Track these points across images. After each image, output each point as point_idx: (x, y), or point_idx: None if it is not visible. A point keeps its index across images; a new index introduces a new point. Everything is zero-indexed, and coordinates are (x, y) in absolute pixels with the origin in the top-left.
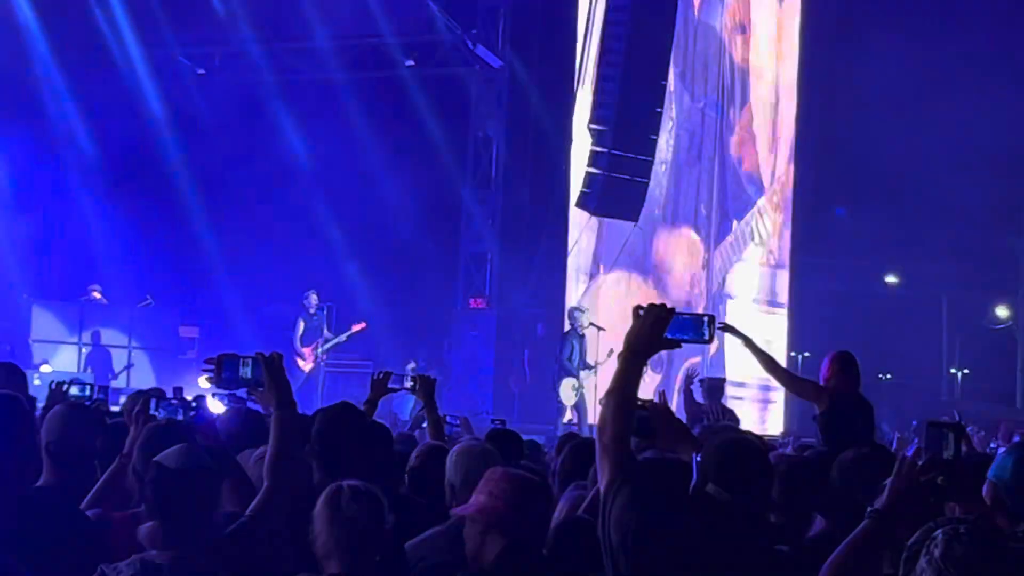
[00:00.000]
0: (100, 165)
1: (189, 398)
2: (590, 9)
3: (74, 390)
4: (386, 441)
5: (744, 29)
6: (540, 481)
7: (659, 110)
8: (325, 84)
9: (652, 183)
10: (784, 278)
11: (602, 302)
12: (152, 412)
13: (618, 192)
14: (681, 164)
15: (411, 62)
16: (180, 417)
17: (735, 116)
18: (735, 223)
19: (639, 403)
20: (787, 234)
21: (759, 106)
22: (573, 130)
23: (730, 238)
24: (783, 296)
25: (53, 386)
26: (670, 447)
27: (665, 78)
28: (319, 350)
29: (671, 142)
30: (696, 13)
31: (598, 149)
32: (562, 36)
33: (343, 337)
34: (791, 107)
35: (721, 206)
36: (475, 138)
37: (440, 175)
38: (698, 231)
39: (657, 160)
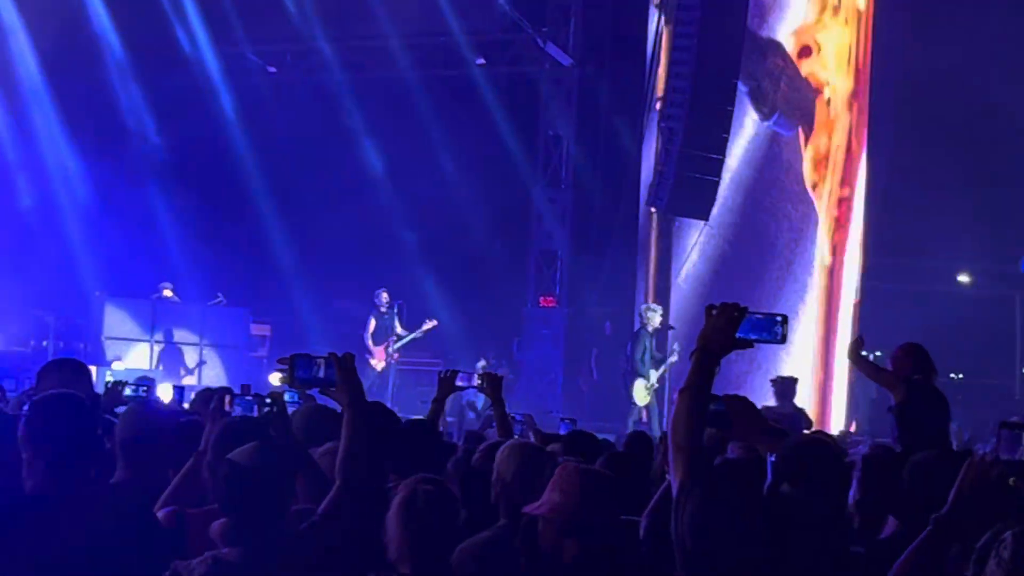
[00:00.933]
0: (172, 164)
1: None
2: (660, 6)
3: (128, 391)
4: (422, 440)
5: (809, 51)
6: (615, 478)
7: (730, 108)
8: (395, 82)
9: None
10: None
11: (674, 304)
12: (227, 409)
13: (689, 190)
14: (745, 179)
15: (481, 60)
16: (255, 414)
17: (799, 133)
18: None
19: (720, 397)
20: (851, 242)
21: (823, 123)
22: (644, 128)
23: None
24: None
25: (109, 385)
26: (746, 439)
27: (736, 76)
28: (391, 348)
29: (739, 155)
30: (764, 34)
31: (669, 148)
32: (632, 33)
33: (417, 334)
34: (859, 123)
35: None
36: (545, 137)
37: (510, 174)
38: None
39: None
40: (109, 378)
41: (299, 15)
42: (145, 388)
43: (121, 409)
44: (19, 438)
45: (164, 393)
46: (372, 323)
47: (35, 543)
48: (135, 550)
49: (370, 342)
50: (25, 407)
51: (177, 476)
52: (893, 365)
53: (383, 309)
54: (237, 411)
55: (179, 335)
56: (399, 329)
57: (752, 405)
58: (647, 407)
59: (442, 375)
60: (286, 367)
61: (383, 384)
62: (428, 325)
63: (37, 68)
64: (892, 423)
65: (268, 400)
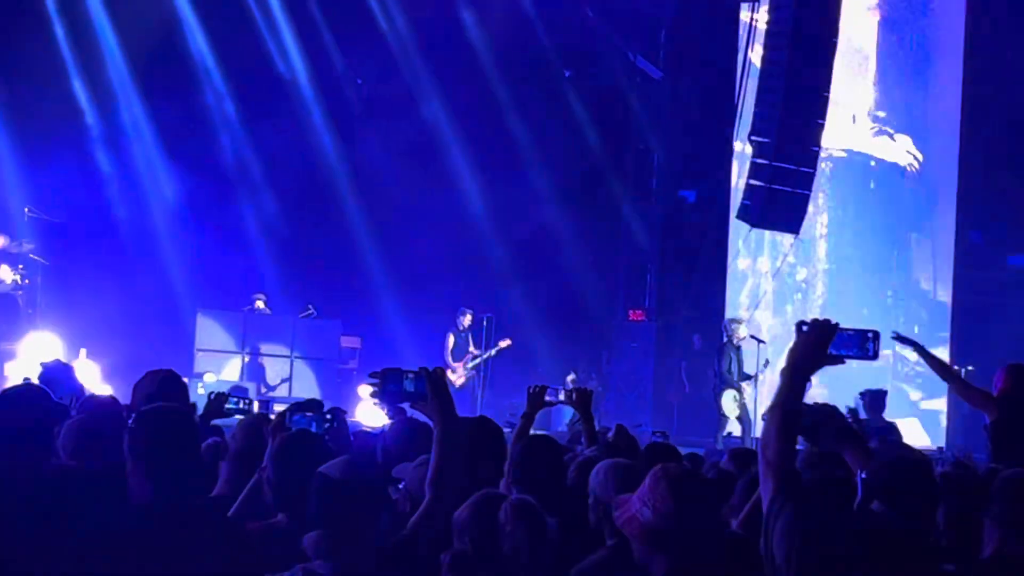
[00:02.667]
0: (264, 177)
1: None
2: (751, 19)
3: (229, 403)
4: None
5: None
6: (708, 492)
7: (821, 121)
8: (484, 95)
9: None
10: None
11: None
12: (287, 424)
13: (780, 204)
14: None
15: (570, 73)
16: (314, 429)
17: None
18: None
19: (809, 405)
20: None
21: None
22: (734, 141)
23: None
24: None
25: (212, 396)
26: (835, 450)
27: (828, 89)
28: (470, 365)
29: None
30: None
31: (759, 161)
32: (723, 46)
33: (493, 352)
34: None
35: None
36: (635, 150)
37: (600, 187)
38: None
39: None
40: (201, 390)
41: (390, 29)
42: (247, 401)
43: (219, 421)
44: (125, 449)
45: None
46: (450, 340)
47: (139, 553)
48: (231, 563)
49: (449, 358)
50: (130, 419)
51: (244, 491)
52: (996, 384)
53: (462, 328)
54: (295, 426)
55: (270, 347)
56: (473, 348)
57: (841, 416)
58: (740, 420)
59: (531, 390)
60: (377, 380)
61: (467, 399)
62: (502, 344)
63: (131, 83)
64: (987, 441)
65: (328, 416)
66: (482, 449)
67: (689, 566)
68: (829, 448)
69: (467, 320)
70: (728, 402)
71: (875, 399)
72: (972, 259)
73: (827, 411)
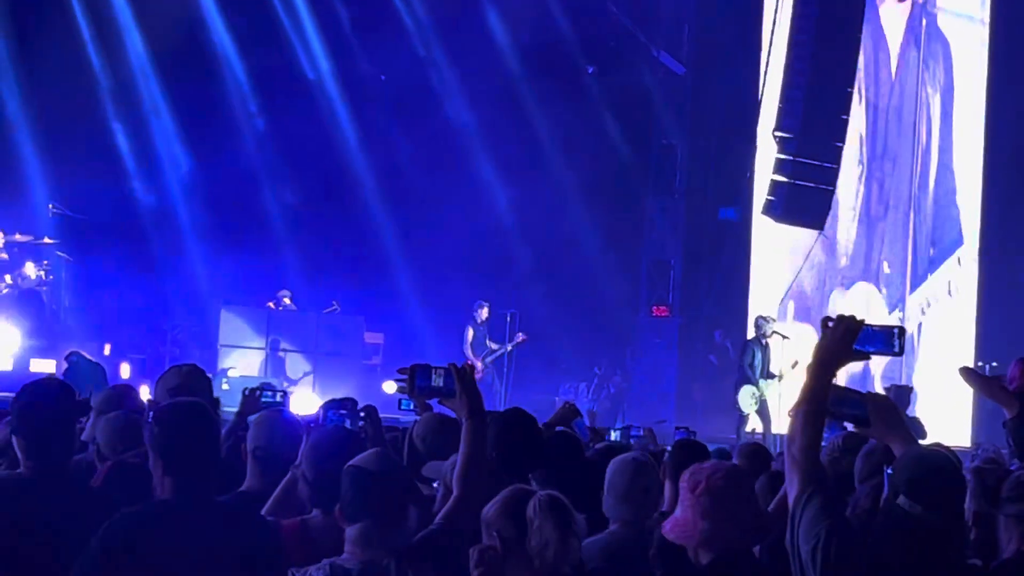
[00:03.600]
0: (287, 172)
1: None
2: (775, 15)
3: (264, 397)
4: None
5: (949, 88)
6: (743, 485)
7: (845, 117)
8: (507, 90)
9: (840, 230)
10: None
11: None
12: (321, 422)
13: (803, 200)
14: (870, 215)
15: (593, 69)
16: (348, 425)
17: (931, 170)
18: (929, 277)
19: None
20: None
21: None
22: (758, 137)
23: (919, 295)
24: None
25: (247, 392)
26: (883, 440)
27: (851, 85)
28: (488, 359)
29: (861, 190)
30: (893, 72)
31: (783, 156)
32: (746, 42)
33: (509, 347)
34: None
35: (911, 262)
36: (658, 145)
37: (622, 183)
38: (880, 288)
39: (846, 206)
40: (225, 386)
41: (412, 23)
42: (281, 395)
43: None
44: (147, 444)
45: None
46: (470, 334)
47: (164, 549)
48: (257, 558)
49: (469, 352)
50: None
51: (278, 488)
52: (1010, 376)
53: (480, 321)
54: (328, 423)
55: (294, 342)
56: (490, 343)
57: (895, 407)
58: (759, 414)
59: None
60: (405, 376)
61: (489, 394)
62: (518, 339)
63: (154, 78)
64: (1007, 437)
65: (362, 413)
66: (517, 439)
67: (730, 557)
68: (879, 437)
69: (484, 313)
70: (745, 398)
71: (900, 394)
72: None
73: (880, 400)
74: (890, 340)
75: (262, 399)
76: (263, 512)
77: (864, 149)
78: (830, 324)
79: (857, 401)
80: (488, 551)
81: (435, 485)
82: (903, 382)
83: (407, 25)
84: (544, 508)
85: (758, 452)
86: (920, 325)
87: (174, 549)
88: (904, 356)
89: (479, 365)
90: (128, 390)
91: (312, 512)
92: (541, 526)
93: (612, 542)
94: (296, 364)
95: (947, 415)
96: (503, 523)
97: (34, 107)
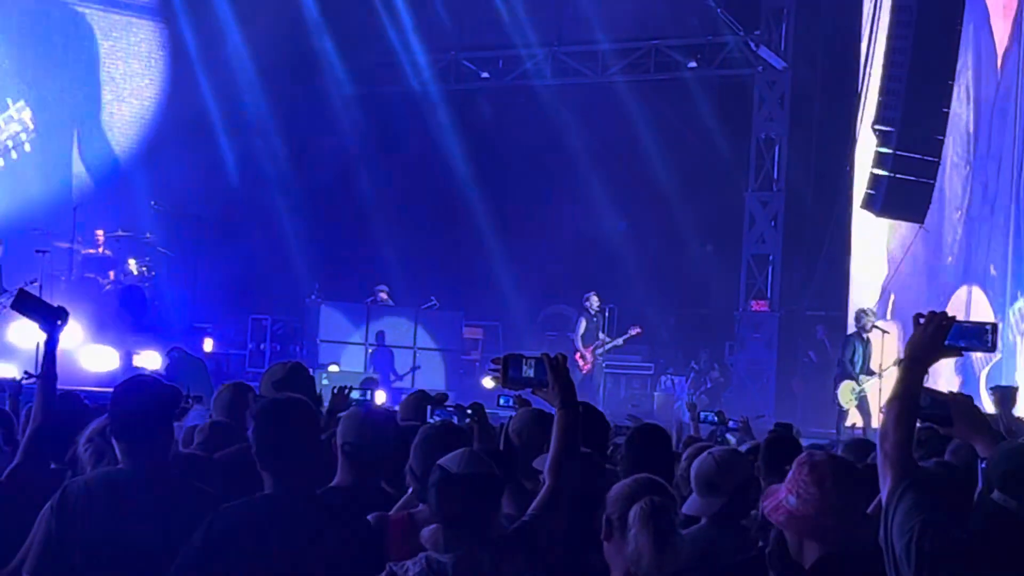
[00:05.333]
0: (387, 169)
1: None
2: (874, 8)
3: (354, 395)
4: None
5: None
6: (854, 478)
7: (945, 110)
8: (607, 87)
9: (946, 228)
10: None
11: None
12: (428, 420)
13: (903, 193)
14: (975, 216)
15: (693, 64)
16: (455, 422)
17: None
18: None
19: (945, 394)
20: None
21: None
22: (858, 131)
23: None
24: None
25: (335, 390)
26: (965, 439)
27: (952, 78)
28: (599, 351)
29: (967, 188)
30: (999, 68)
31: (883, 150)
32: (846, 36)
33: (620, 341)
34: None
35: (1016, 268)
36: (758, 140)
37: (722, 177)
38: (986, 292)
39: (952, 204)
40: (325, 381)
41: (512, 21)
42: (371, 393)
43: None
44: (250, 442)
45: (378, 397)
46: (583, 325)
47: (265, 543)
48: (352, 553)
49: (580, 343)
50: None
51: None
52: None
53: (593, 312)
54: (436, 420)
55: (393, 338)
56: (601, 335)
57: (976, 407)
58: (859, 410)
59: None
60: (499, 368)
61: (591, 387)
62: (633, 332)
63: (253, 74)
64: None
65: (469, 411)
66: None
67: (839, 552)
68: (963, 438)
69: (595, 301)
70: (845, 393)
71: (1005, 395)
72: None
73: (963, 400)
74: (983, 336)
75: (351, 396)
76: (397, 507)
77: (972, 147)
78: (921, 320)
79: (940, 401)
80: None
81: (542, 478)
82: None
83: (506, 23)
84: (643, 517)
85: (862, 446)
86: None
87: (275, 543)
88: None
89: (589, 356)
90: (244, 388)
91: (419, 507)
92: (637, 535)
93: (701, 538)
94: (397, 360)
95: None
96: (616, 507)
97: (134, 104)
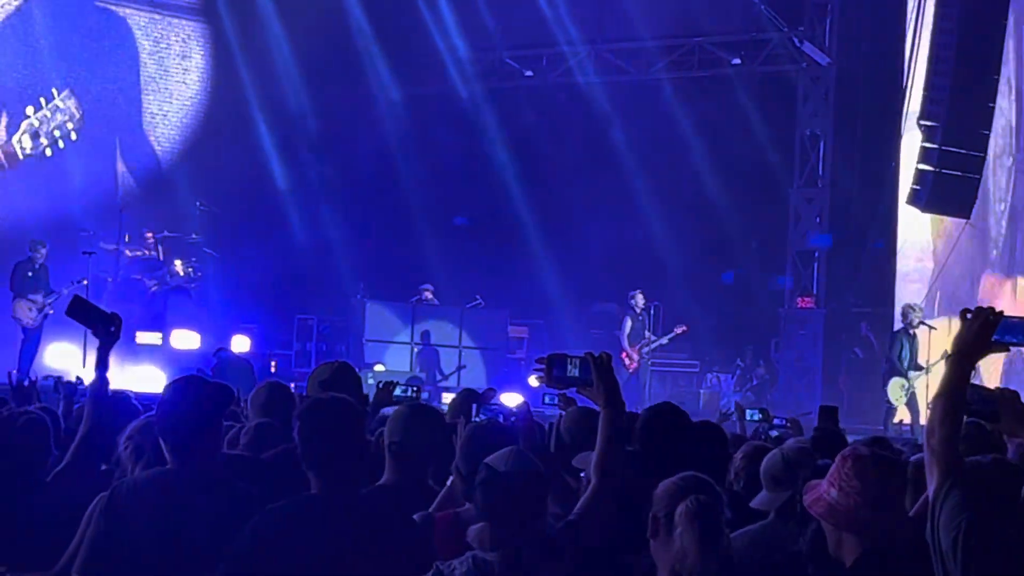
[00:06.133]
0: (430, 167)
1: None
2: (918, 2)
3: (397, 391)
4: (717, 440)
5: None
6: (896, 473)
7: (991, 105)
8: (650, 84)
9: (992, 222)
10: None
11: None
12: (474, 419)
13: (949, 189)
14: (1019, 208)
15: (737, 60)
16: (501, 420)
17: None
18: None
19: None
20: None
21: None
22: (903, 126)
23: None
24: None
25: (380, 385)
26: (1013, 434)
27: (998, 72)
28: (646, 350)
29: (1011, 180)
30: None
31: (929, 145)
32: (890, 31)
33: (665, 340)
34: None
35: None
36: (802, 136)
37: (766, 174)
38: None
39: (997, 197)
40: (371, 380)
41: (555, 19)
42: (416, 389)
43: (389, 410)
44: (295, 441)
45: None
46: (628, 324)
47: (310, 543)
48: (398, 552)
49: (626, 342)
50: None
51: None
52: None
53: (638, 311)
54: (482, 419)
55: (438, 337)
56: (647, 333)
57: (1020, 399)
58: (908, 407)
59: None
60: (543, 367)
61: (637, 385)
62: (678, 331)
63: (296, 72)
64: None
65: (514, 411)
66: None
67: (880, 547)
68: (1009, 433)
69: (640, 300)
70: (895, 390)
71: None
72: None
73: (1010, 396)
74: None
75: (395, 393)
76: (436, 504)
77: (1015, 139)
78: (968, 316)
79: (987, 397)
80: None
81: (582, 475)
82: None
83: (548, 20)
84: (689, 516)
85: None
86: None
87: (320, 543)
88: None
89: (635, 355)
90: (281, 388)
91: (465, 505)
92: (683, 533)
93: (769, 531)
94: (444, 359)
95: None
96: (662, 505)
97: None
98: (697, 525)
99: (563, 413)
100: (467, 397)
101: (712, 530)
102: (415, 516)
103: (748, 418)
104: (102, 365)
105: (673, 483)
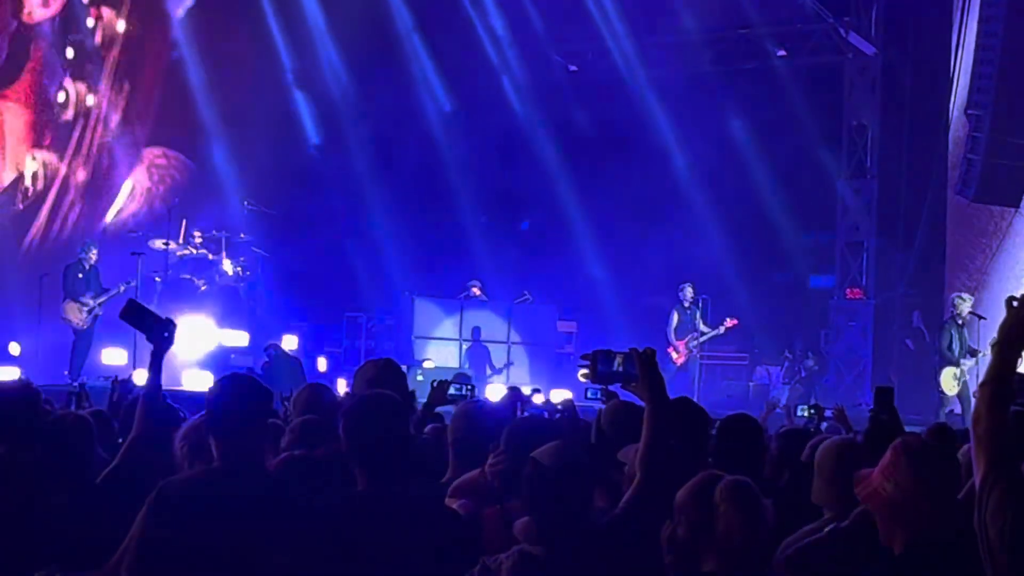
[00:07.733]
0: (476, 163)
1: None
2: None
3: (451, 390)
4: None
5: None
6: (949, 466)
7: None
8: (696, 76)
9: None
10: None
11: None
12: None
13: (998, 178)
14: None
15: (783, 52)
16: (544, 414)
17: None
18: None
19: None
20: None
21: None
22: (951, 115)
23: None
24: None
25: (435, 384)
26: None
27: None
28: (694, 343)
29: None
30: None
31: (976, 134)
32: (937, 20)
33: (717, 332)
34: None
35: None
36: (849, 127)
37: (814, 165)
38: None
39: None
40: (420, 377)
41: (599, 13)
42: (470, 387)
43: (444, 409)
44: (340, 438)
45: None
46: (675, 317)
47: (355, 539)
48: (446, 548)
49: (672, 336)
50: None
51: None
52: None
53: (687, 304)
54: (527, 414)
55: (487, 333)
56: (701, 326)
57: None
58: (960, 397)
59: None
60: (588, 363)
61: (687, 378)
62: (729, 323)
63: (344, 72)
64: None
65: (559, 407)
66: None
67: (930, 536)
68: None
69: (689, 293)
70: (948, 379)
71: None
72: None
73: None
74: None
75: (450, 391)
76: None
77: None
78: (1015, 303)
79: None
80: (674, 537)
81: (626, 469)
82: None
83: (594, 15)
84: (729, 493)
85: (944, 432)
86: None
87: (366, 539)
88: None
89: (682, 349)
90: (322, 388)
91: (510, 500)
92: (726, 512)
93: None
94: (493, 354)
95: None
96: (692, 508)
97: (226, 106)
98: (738, 500)
99: (603, 407)
100: (513, 396)
101: (753, 502)
102: (460, 510)
103: (798, 414)
104: (155, 370)
105: (691, 485)
